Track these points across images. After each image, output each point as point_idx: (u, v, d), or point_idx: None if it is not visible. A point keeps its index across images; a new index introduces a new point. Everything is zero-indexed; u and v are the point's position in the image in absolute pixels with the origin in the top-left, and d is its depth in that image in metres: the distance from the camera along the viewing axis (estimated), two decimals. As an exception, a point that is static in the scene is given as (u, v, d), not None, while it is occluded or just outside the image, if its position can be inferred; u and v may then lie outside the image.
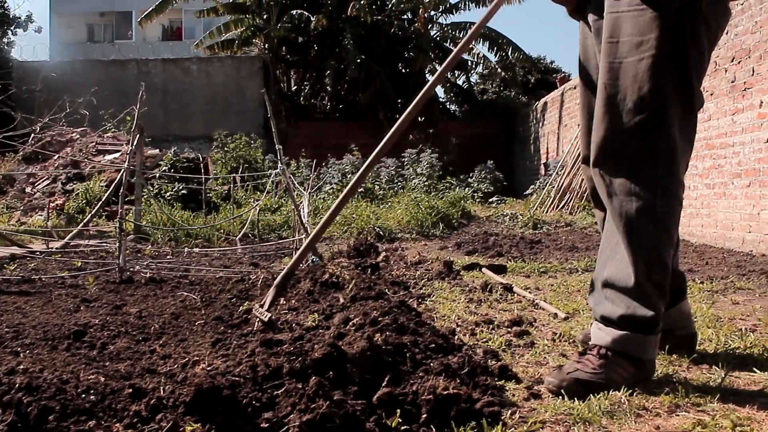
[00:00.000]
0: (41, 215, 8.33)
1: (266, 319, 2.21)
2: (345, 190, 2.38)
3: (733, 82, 6.27)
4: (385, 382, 1.56)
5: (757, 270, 4.56)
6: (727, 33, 6.42)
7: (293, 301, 2.59)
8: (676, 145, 1.96)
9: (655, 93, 1.93)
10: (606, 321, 1.99)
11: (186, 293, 3.38)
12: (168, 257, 5.30)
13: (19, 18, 24.25)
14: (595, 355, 1.95)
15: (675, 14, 1.93)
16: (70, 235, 5.89)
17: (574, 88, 12.17)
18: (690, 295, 3.51)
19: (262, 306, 2.33)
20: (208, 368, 1.70)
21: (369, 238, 5.65)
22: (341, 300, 2.31)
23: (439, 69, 2.38)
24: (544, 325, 2.74)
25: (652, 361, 1.99)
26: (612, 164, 1.99)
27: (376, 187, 10.93)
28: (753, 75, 5.93)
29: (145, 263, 4.59)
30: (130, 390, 1.53)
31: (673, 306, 2.20)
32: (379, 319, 1.79)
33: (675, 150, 1.96)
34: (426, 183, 10.76)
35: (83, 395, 1.53)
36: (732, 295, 3.55)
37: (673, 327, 2.22)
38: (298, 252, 2.38)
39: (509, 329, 2.59)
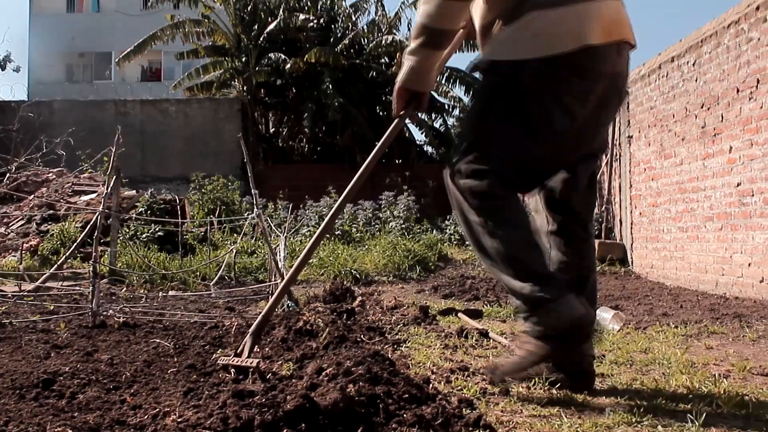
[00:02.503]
0: (14, 256, 8.21)
1: (255, 365, 2.20)
2: (305, 250, 2.42)
3: (703, 127, 6.41)
4: (358, 435, 1.55)
5: (730, 313, 4.61)
6: (696, 80, 6.58)
7: (267, 349, 2.57)
8: (490, 199, 2.28)
9: (471, 144, 2.34)
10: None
11: (159, 340, 3.33)
12: (142, 301, 5.24)
13: (-3, 58, 24.21)
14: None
15: (494, 86, 2.32)
16: (43, 277, 5.81)
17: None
18: (664, 339, 3.54)
19: (238, 355, 2.31)
20: (179, 420, 1.67)
21: (345, 282, 5.64)
22: (315, 348, 2.30)
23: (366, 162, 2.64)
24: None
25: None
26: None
27: (353, 229, 10.92)
28: (722, 121, 6.07)
29: (118, 307, 4.53)
30: (98, 444, 1.50)
31: None
32: (353, 369, 1.78)
33: (487, 200, 2.28)
34: (403, 226, 10.77)
35: (49, 450, 1.49)
36: (706, 340, 3.58)
37: (567, 362, 2.35)
38: (271, 300, 2.37)
39: (484, 376, 2.58)
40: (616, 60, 2.32)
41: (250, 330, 2.41)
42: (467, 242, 2.48)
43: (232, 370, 2.29)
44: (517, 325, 3.98)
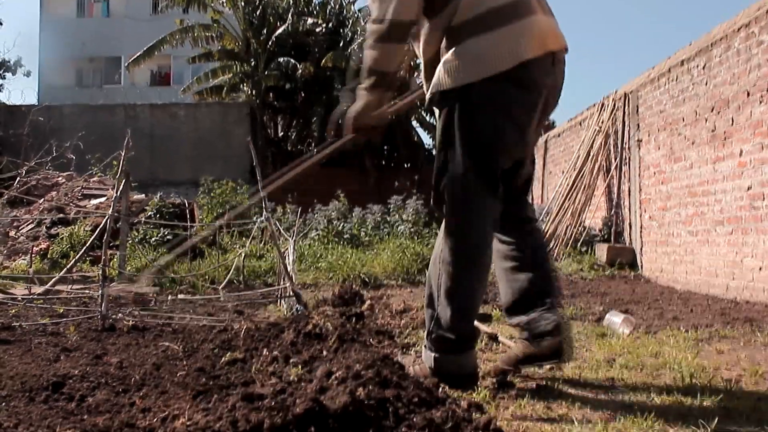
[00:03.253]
0: (24, 259, 8.25)
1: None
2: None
3: (713, 131, 6.38)
4: (367, 438, 1.54)
5: (741, 318, 4.57)
6: (706, 84, 6.55)
7: (275, 352, 2.57)
8: (464, 220, 2.50)
9: (437, 176, 2.55)
10: None
11: (168, 343, 3.34)
12: (151, 304, 5.24)
13: (8, 62, 24.38)
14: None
15: (447, 112, 2.49)
16: (53, 280, 5.82)
17: (558, 135, 12.31)
18: (675, 343, 3.52)
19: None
20: (188, 423, 1.67)
21: (354, 285, 5.62)
22: (324, 352, 2.30)
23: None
24: (528, 376, 2.73)
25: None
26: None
27: (362, 233, 10.90)
28: (732, 124, 6.04)
29: (128, 310, 4.53)
30: (108, 446, 1.50)
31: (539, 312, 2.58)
32: (362, 372, 1.78)
33: (461, 222, 2.50)
34: (412, 229, 10.74)
35: (59, 452, 1.50)
36: (717, 344, 3.56)
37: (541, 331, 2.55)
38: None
39: (494, 380, 2.57)
40: (551, 71, 2.53)
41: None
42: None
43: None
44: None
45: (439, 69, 2.49)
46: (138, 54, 19.18)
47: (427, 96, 2.61)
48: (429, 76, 2.59)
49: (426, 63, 2.62)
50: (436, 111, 2.60)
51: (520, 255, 2.68)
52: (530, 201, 2.94)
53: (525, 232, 2.74)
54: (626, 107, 8.84)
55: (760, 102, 5.60)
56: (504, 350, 3.30)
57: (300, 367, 2.34)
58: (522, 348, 2.63)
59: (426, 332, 2.58)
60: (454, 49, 2.46)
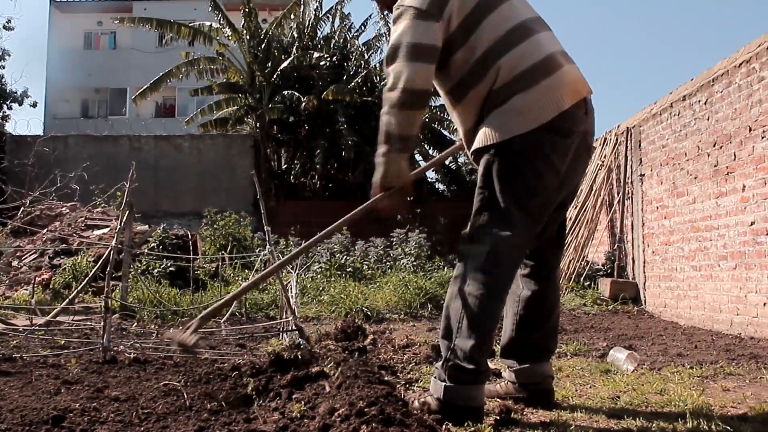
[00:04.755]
0: (26, 290, 8.23)
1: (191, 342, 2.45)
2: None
3: (715, 166, 6.40)
4: (370, 477, 1.53)
5: (746, 354, 4.54)
6: (708, 119, 6.59)
7: (277, 387, 2.55)
8: (497, 255, 2.55)
9: (476, 216, 2.65)
10: None
11: (170, 376, 3.32)
12: (153, 336, 5.22)
13: (15, 93, 24.50)
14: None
15: (489, 162, 2.61)
16: (54, 311, 5.81)
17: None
18: (680, 380, 3.50)
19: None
20: (190, 460, 1.66)
21: (357, 319, 5.60)
22: (327, 388, 2.28)
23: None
24: (532, 413, 2.70)
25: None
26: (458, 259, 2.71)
27: (365, 266, 10.88)
28: (735, 159, 6.05)
29: (129, 342, 4.51)
30: (108, 484, 1.48)
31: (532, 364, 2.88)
32: (366, 409, 1.76)
33: (495, 257, 2.55)
34: (414, 263, 10.72)
35: (59, 489, 1.48)
36: (722, 381, 3.53)
37: (530, 382, 2.86)
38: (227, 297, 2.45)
39: (497, 417, 2.54)
40: (584, 119, 2.70)
41: (202, 314, 2.75)
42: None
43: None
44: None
45: (486, 126, 2.63)
46: (144, 87, 19.29)
47: (471, 150, 2.73)
48: (469, 138, 2.76)
49: (467, 131, 2.78)
50: (481, 163, 2.69)
51: (535, 308, 2.89)
52: (564, 245, 3.12)
53: (547, 286, 2.92)
54: (629, 142, 8.88)
55: (762, 137, 5.63)
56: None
57: (303, 403, 2.32)
58: (506, 389, 2.95)
59: (441, 362, 2.58)
60: (499, 107, 2.60)
